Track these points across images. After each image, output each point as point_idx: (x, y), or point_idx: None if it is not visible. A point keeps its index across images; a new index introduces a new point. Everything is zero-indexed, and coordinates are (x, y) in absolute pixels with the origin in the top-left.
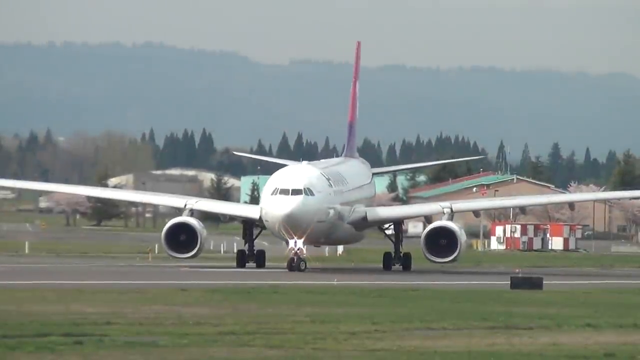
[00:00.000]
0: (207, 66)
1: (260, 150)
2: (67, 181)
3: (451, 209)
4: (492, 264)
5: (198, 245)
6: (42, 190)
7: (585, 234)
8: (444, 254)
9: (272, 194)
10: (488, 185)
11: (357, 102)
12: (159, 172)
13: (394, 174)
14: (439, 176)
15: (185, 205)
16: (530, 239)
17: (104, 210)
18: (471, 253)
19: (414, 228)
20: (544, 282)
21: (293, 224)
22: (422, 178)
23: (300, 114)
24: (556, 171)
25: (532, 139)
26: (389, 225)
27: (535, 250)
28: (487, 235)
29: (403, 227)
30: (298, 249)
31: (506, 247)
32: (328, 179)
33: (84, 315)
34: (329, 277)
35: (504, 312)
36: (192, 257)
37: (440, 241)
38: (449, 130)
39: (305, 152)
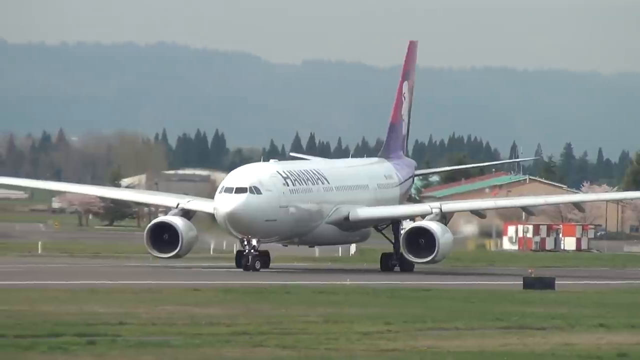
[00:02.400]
0: (220, 66)
1: (273, 151)
2: (80, 181)
3: (441, 209)
4: (504, 264)
5: (180, 245)
6: (55, 190)
7: (598, 234)
8: (423, 255)
9: (219, 192)
10: (500, 186)
11: (404, 103)
12: (171, 172)
13: None
14: (452, 176)
15: (178, 205)
16: (543, 239)
17: (116, 210)
18: (484, 253)
19: None
20: (556, 282)
21: (236, 223)
22: (435, 178)
23: (312, 114)
24: (569, 171)
25: (545, 139)
26: (386, 225)
27: (548, 251)
28: (500, 235)
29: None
30: (252, 248)
31: (519, 247)
32: (285, 178)
33: (97, 316)
34: (341, 277)
35: (516, 312)
36: (175, 257)
37: (420, 241)
38: (461, 130)
39: (317, 152)
